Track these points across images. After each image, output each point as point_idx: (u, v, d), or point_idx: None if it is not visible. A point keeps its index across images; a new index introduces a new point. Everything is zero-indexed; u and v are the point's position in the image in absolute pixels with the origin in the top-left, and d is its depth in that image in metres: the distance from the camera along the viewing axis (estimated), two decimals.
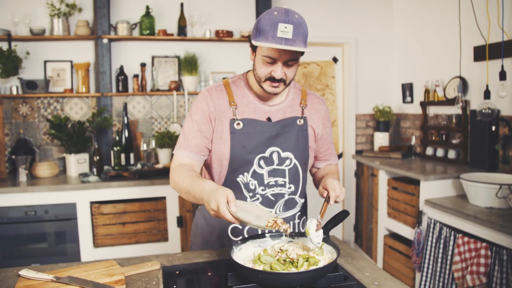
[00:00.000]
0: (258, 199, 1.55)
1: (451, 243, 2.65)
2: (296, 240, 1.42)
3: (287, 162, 1.56)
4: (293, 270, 1.19)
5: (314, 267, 1.20)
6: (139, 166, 3.41)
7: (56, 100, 3.61)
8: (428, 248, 2.88)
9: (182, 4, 3.72)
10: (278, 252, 1.29)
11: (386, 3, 4.41)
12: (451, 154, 3.50)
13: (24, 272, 1.30)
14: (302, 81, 4.46)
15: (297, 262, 1.21)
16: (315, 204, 2.00)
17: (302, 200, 1.66)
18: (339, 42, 4.37)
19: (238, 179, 1.54)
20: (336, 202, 1.40)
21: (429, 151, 3.76)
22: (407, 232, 3.24)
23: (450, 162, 3.49)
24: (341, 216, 1.52)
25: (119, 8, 3.70)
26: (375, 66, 4.44)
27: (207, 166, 1.63)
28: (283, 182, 1.56)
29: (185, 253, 1.53)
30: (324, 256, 1.30)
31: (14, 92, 3.41)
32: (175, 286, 1.26)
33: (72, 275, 1.30)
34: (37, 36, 3.40)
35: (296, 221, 1.65)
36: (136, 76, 3.66)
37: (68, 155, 3.39)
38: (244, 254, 1.33)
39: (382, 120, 4.22)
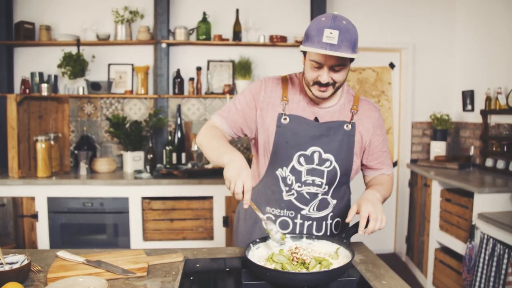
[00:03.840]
0: (293, 194, 1.58)
1: (505, 261, 2.47)
2: (316, 243, 1.42)
3: (327, 163, 1.56)
4: (304, 271, 1.20)
5: (325, 269, 1.19)
6: (189, 165, 3.54)
7: (117, 101, 3.87)
8: (480, 265, 2.70)
9: (237, 10, 3.82)
10: (293, 252, 1.30)
11: (448, 7, 4.20)
12: None
13: (61, 253, 1.43)
14: (357, 87, 4.38)
15: (309, 264, 1.22)
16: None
17: (334, 201, 1.64)
18: (396, 47, 4.24)
19: (277, 172, 1.58)
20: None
21: (489, 162, 3.52)
22: (459, 246, 3.06)
23: None
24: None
25: (178, 14, 3.89)
26: (434, 72, 4.24)
27: (256, 155, 1.69)
28: (320, 183, 1.57)
29: (209, 248, 1.59)
30: (339, 260, 1.29)
31: (81, 93, 3.71)
32: (192, 278, 1.31)
33: (102, 259, 1.40)
34: (103, 41, 3.68)
35: (329, 221, 1.65)
36: (191, 79, 3.82)
37: (125, 152, 3.62)
38: (261, 253, 1.36)
39: (440, 128, 4.02)
